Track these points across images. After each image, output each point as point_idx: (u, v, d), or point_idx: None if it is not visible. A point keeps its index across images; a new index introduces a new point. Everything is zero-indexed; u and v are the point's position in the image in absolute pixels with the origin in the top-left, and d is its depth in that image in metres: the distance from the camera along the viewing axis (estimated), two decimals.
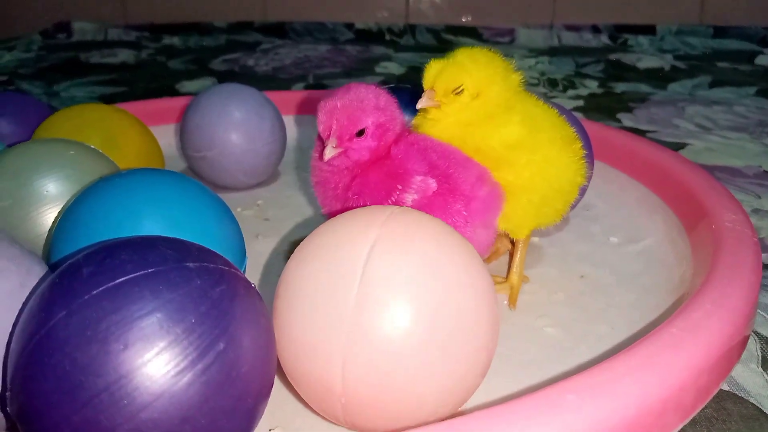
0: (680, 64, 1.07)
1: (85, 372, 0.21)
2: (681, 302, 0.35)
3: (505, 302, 0.40)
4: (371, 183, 0.36)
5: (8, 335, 0.25)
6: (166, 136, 0.65)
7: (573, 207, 0.42)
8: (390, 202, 0.35)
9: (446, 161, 0.36)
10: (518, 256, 0.41)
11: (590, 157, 0.44)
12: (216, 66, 1.15)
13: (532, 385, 0.32)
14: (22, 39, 1.35)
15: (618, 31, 1.27)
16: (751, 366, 0.34)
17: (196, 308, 0.23)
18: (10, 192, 0.36)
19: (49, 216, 0.36)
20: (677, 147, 0.68)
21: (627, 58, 1.11)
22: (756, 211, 0.52)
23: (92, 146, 0.42)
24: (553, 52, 1.18)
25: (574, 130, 0.40)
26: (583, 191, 0.41)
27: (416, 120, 0.40)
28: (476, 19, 1.35)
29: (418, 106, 0.38)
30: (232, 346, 0.23)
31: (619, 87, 0.94)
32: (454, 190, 0.35)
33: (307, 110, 0.72)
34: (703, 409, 0.30)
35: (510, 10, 1.32)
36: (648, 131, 0.73)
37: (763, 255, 0.36)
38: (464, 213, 0.35)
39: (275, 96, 0.63)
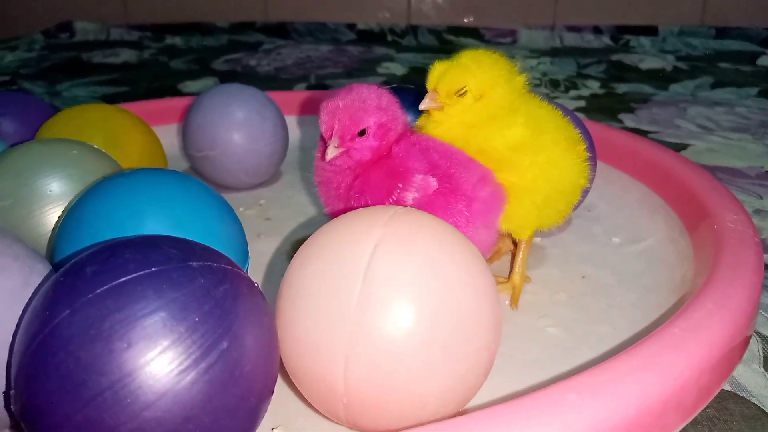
0: (682, 65, 1.07)
1: (88, 370, 0.21)
2: (683, 302, 0.35)
3: (507, 302, 0.40)
4: (372, 182, 0.36)
5: (12, 334, 0.26)
6: (168, 136, 0.65)
7: (575, 208, 0.42)
8: (391, 200, 0.35)
9: (448, 161, 0.36)
10: (520, 256, 0.41)
11: (593, 159, 0.44)
12: (218, 66, 1.15)
13: (535, 384, 0.32)
14: (25, 39, 1.35)
15: (620, 31, 1.27)
16: (752, 366, 0.34)
17: (200, 307, 0.23)
18: (13, 191, 0.36)
19: (52, 215, 0.37)
20: (679, 147, 0.68)
21: (629, 59, 1.11)
22: (758, 211, 0.52)
23: (95, 146, 0.42)
24: (554, 52, 1.18)
25: (578, 131, 0.40)
26: (585, 193, 0.41)
27: (420, 121, 0.40)
28: (478, 20, 1.35)
29: (421, 107, 0.38)
30: (235, 345, 0.23)
31: (621, 88, 0.94)
32: (455, 190, 0.35)
33: (309, 110, 0.72)
34: (704, 409, 0.30)
35: (512, 11, 1.32)
36: (650, 132, 0.73)
37: (765, 255, 0.35)
38: (466, 213, 0.35)
39: (277, 96, 0.63)
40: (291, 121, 0.69)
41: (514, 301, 0.40)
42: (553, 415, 0.24)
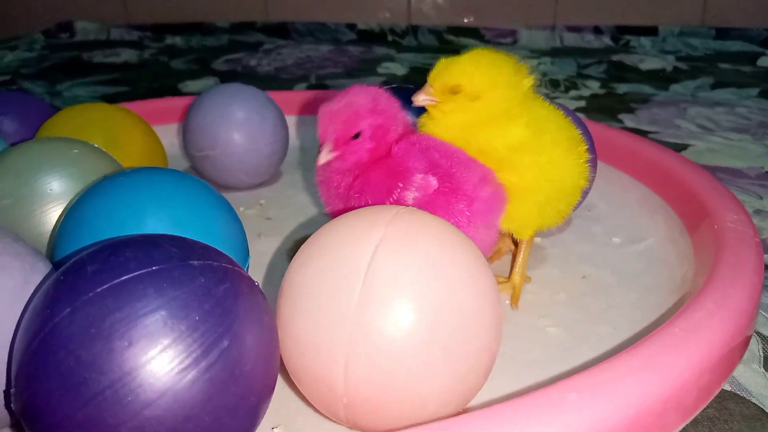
0: (682, 65, 1.07)
1: (88, 369, 0.21)
2: (683, 302, 0.35)
3: (508, 302, 0.40)
4: (372, 182, 0.36)
5: (12, 332, 0.26)
6: (168, 135, 0.65)
7: (575, 208, 0.42)
8: (391, 200, 0.35)
9: (449, 161, 0.36)
10: (521, 256, 0.41)
11: (593, 159, 0.44)
12: (218, 66, 1.15)
13: (535, 384, 0.32)
14: (25, 39, 1.35)
15: (620, 32, 1.27)
16: (753, 366, 0.34)
17: (200, 306, 0.23)
18: (13, 190, 0.36)
19: (52, 214, 0.37)
20: (679, 148, 0.68)
21: (629, 59, 1.11)
22: (758, 212, 0.52)
23: (95, 145, 0.42)
24: (555, 52, 1.18)
25: (579, 131, 0.40)
26: (585, 193, 0.41)
27: (421, 119, 0.40)
28: (478, 20, 1.35)
29: (413, 98, 0.38)
30: (235, 343, 0.23)
31: (621, 88, 0.94)
32: (456, 190, 0.35)
33: (309, 110, 0.72)
34: (704, 409, 0.30)
35: (512, 11, 1.32)
36: (650, 132, 0.74)
37: (765, 255, 0.36)
38: (467, 213, 0.35)
39: (277, 96, 0.63)
40: (291, 121, 0.69)
41: (515, 301, 0.40)
42: (554, 414, 0.24)
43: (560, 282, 0.42)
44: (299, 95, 0.76)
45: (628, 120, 0.79)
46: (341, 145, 0.36)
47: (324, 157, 0.36)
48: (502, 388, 0.32)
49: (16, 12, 1.47)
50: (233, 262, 0.26)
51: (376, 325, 0.25)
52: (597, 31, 1.28)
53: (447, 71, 0.37)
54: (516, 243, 0.42)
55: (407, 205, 0.33)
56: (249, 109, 0.54)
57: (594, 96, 0.91)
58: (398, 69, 1.10)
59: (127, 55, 1.22)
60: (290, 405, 0.31)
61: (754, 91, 0.91)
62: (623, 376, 0.25)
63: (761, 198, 0.55)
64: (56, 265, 0.30)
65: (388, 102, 0.37)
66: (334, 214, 0.38)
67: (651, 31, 1.25)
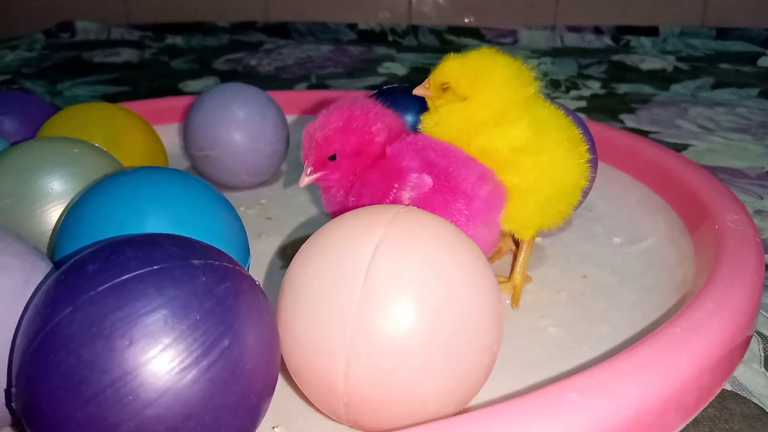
0: (683, 66, 1.07)
1: (89, 368, 0.21)
2: (683, 302, 0.35)
3: (508, 302, 0.40)
4: (369, 184, 0.36)
5: (13, 332, 0.26)
6: (169, 135, 0.65)
7: (576, 208, 0.42)
8: (388, 200, 0.35)
9: (446, 159, 0.36)
10: (522, 256, 0.41)
11: (594, 159, 0.44)
12: (219, 66, 1.15)
13: (535, 384, 0.32)
14: (26, 38, 1.35)
15: (620, 32, 1.27)
16: (753, 366, 0.34)
17: (201, 305, 0.23)
18: (14, 189, 0.36)
19: (53, 213, 0.37)
20: (679, 148, 0.68)
21: (629, 59, 1.11)
22: (758, 212, 0.52)
23: (96, 144, 0.42)
24: (555, 53, 1.18)
25: (580, 131, 0.40)
26: (586, 193, 0.41)
27: (422, 117, 0.40)
28: (479, 20, 1.35)
29: (414, 91, 0.39)
30: (236, 343, 0.23)
31: (622, 88, 0.94)
32: (454, 189, 0.35)
33: (309, 110, 0.72)
34: (705, 409, 0.30)
35: (512, 11, 1.32)
36: (650, 132, 0.74)
37: (766, 255, 0.36)
38: (465, 212, 0.35)
39: (278, 96, 0.63)
40: (292, 120, 0.69)
41: (515, 301, 0.40)
42: (554, 414, 0.24)
43: (561, 282, 0.42)
44: (300, 95, 0.76)
45: (629, 120, 0.79)
46: (320, 167, 0.37)
47: (304, 180, 0.37)
48: (503, 387, 0.32)
49: (16, 12, 1.47)
50: (234, 262, 0.26)
51: (376, 324, 0.25)
52: (597, 31, 1.28)
53: (440, 68, 0.38)
54: (517, 243, 0.42)
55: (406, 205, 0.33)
56: (250, 109, 0.54)
57: (594, 96, 0.91)
58: (399, 69, 1.10)
59: (127, 55, 1.22)
60: (291, 404, 0.31)
61: (755, 91, 0.91)
62: (624, 376, 0.25)
63: (762, 198, 0.55)
64: (57, 264, 0.30)
65: (366, 116, 0.37)
66: (334, 215, 0.38)
67: (651, 31, 1.25)
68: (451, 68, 0.38)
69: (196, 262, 0.24)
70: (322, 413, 0.30)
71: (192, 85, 1.01)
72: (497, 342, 0.28)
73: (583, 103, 0.86)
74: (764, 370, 0.33)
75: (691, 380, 0.26)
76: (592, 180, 0.41)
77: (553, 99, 0.55)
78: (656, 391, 0.25)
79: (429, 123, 0.39)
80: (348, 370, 0.25)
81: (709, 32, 1.23)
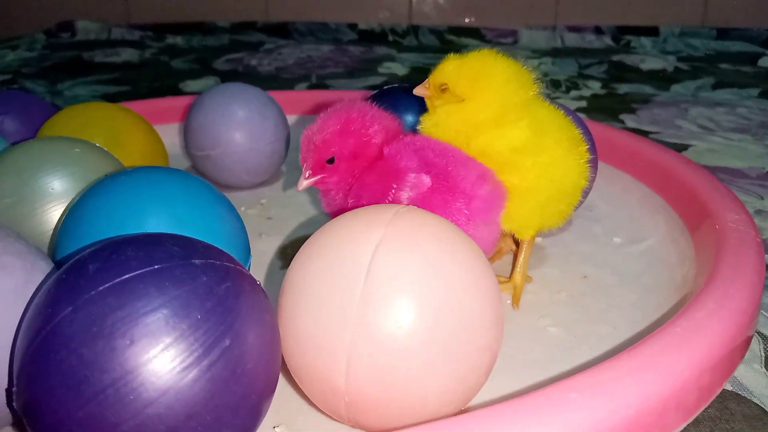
0: (683, 66, 1.07)
1: (90, 368, 0.21)
2: (684, 302, 0.35)
3: (509, 302, 0.40)
4: (367, 185, 0.36)
5: (14, 331, 0.26)
6: (169, 135, 0.65)
7: (576, 208, 0.42)
8: (387, 201, 0.35)
9: (444, 159, 0.36)
10: (522, 256, 0.41)
11: (594, 159, 0.44)
12: (219, 66, 1.15)
13: (535, 384, 0.32)
14: (26, 38, 1.35)
15: (621, 32, 1.27)
16: (754, 366, 0.34)
17: (202, 305, 0.23)
18: (15, 189, 0.36)
19: (54, 213, 0.37)
20: (680, 148, 0.68)
21: (630, 60, 1.11)
22: (759, 212, 0.52)
23: (97, 144, 0.42)
24: (555, 53, 1.18)
25: (580, 131, 0.40)
26: (586, 193, 0.41)
27: (422, 118, 0.40)
28: (479, 20, 1.35)
29: (414, 90, 0.40)
30: (237, 342, 0.23)
31: (622, 88, 0.94)
32: (453, 188, 0.35)
33: (310, 110, 0.72)
34: (706, 409, 0.30)
35: (513, 11, 1.32)
36: (651, 132, 0.74)
37: (766, 255, 0.36)
38: (465, 211, 0.35)
39: (278, 96, 0.63)
40: (292, 120, 0.69)
41: (516, 301, 0.40)
42: (554, 414, 0.24)
43: (561, 282, 0.42)
44: (300, 95, 0.76)
45: (629, 120, 0.79)
46: (318, 171, 0.37)
47: (302, 183, 0.37)
48: (503, 387, 0.32)
49: (17, 11, 1.47)
50: (235, 261, 0.26)
51: (377, 324, 0.25)
52: (598, 31, 1.28)
53: (439, 68, 0.38)
54: (517, 243, 0.42)
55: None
56: (250, 109, 0.54)
57: (595, 96, 0.91)
58: (399, 69, 1.11)
59: (128, 55, 1.22)
60: (292, 404, 0.31)
61: (755, 92, 0.91)
62: (624, 376, 0.25)
63: (762, 198, 0.55)
64: (58, 264, 0.30)
65: (363, 118, 0.37)
66: (334, 215, 0.38)
67: (652, 31, 1.25)
68: (450, 69, 0.38)
69: (196, 261, 0.24)
70: (322, 413, 0.30)
71: (192, 85, 1.01)
72: (497, 342, 0.28)
73: (583, 103, 0.87)
74: (765, 370, 0.33)
75: (692, 380, 0.26)
76: (592, 180, 0.41)
77: (553, 99, 0.55)
78: (657, 391, 0.25)
79: (428, 123, 0.39)
80: (349, 369, 0.25)
81: (710, 32, 1.23)
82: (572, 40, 1.27)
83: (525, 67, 0.39)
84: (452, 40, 1.30)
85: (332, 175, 0.37)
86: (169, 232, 0.30)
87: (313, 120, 0.38)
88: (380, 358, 0.25)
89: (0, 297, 0.26)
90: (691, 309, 0.30)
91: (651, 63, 1.09)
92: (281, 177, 0.61)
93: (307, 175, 0.37)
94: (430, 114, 0.39)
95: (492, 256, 0.45)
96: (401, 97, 0.49)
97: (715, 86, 0.94)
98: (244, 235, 0.36)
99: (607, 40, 1.25)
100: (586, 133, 0.44)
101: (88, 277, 0.23)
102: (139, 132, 0.52)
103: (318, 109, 0.38)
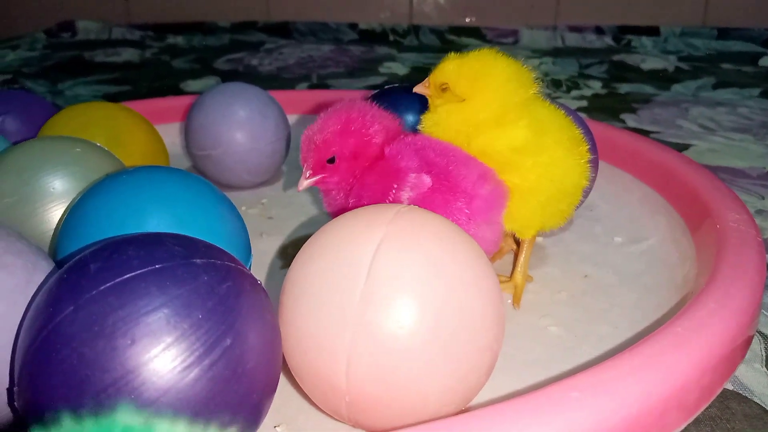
0: (684, 66, 1.07)
1: (91, 367, 0.21)
2: (684, 302, 0.35)
3: (509, 301, 0.40)
4: (368, 185, 0.36)
5: (15, 331, 0.26)
6: (170, 134, 0.65)
7: (577, 208, 0.42)
8: (388, 201, 0.35)
9: (445, 158, 0.36)
10: (523, 255, 0.41)
11: (595, 159, 0.44)
12: (220, 65, 1.15)
13: (536, 383, 0.32)
14: (27, 38, 1.35)
15: (621, 32, 1.27)
16: (755, 366, 0.34)
17: (203, 304, 0.23)
18: (16, 189, 0.36)
19: (55, 213, 0.37)
20: (681, 148, 0.68)
21: (630, 59, 1.11)
22: (760, 212, 0.52)
23: (98, 144, 0.42)
24: (556, 52, 1.18)
25: (581, 131, 0.40)
26: (587, 192, 0.41)
27: (423, 117, 0.40)
28: (480, 20, 1.35)
29: (415, 88, 0.40)
30: (238, 342, 0.23)
31: (623, 88, 0.94)
32: (454, 188, 0.35)
33: (310, 110, 0.72)
34: (707, 409, 0.30)
35: (513, 11, 1.32)
36: (651, 132, 0.74)
37: (767, 255, 0.35)
38: (466, 211, 0.35)
39: (279, 95, 0.63)
40: (293, 120, 0.69)
41: (517, 301, 0.40)
42: (555, 414, 0.24)
43: (562, 281, 0.42)
44: (301, 95, 0.76)
45: (630, 120, 0.79)
46: (319, 170, 0.37)
47: (303, 183, 0.37)
48: (504, 387, 0.32)
49: (17, 11, 1.47)
50: (236, 261, 0.26)
51: (378, 323, 0.25)
52: (598, 31, 1.28)
53: (440, 68, 0.38)
54: (518, 242, 0.42)
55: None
56: (251, 109, 0.54)
57: (596, 96, 0.91)
58: (399, 69, 1.11)
59: (128, 55, 1.22)
60: (292, 403, 0.31)
61: (756, 91, 0.91)
62: (625, 376, 0.25)
63: (763, 198, 0.55)
64: (59, 263, 0.30)
65: (363, 118, 0.37)
66: (335, 215, 0.38)
67: (652, 31, 1.25)
68: (450, 69, 0.38)
69: (198, 261, 0.24)
70: (323, 412, 0.30)
71: (193, 84, 1.01)
72: (498, 341, 0.28)
73: (584, 103, 0.86)
74: (766, 370, 0.33)
75: (693, 380, 0.26)
76: (593, 180, 0.41)
77: (554, 99, 0.55)
78: (657, 390, 0.25)
79: (428, 123, 0.39)
80: (349, 369, 0.25)
81: (711, 32, 1.23)
82: (573, 39, 1.27)
83: (525, 66, 0.39)
84: (453, 40, 1.30)
85: (333, 175, 0.37)
86: (170, 231, 0.30)
87: (314, 120, 0.38)
88: (381, 358, 0.25)
89: (1, 296, 0.26)
90: (692, 309, 0.30)
91: (652, 63, 1.08)
92: (282, 177, 0.61)
93: (307, 174, 0.37)
94: (431, 113, 0.39)
95: (493, 256, 0.45)
96: (402, 97, 0.49)
97: (716, 86, 0.94)
98: (245, 235, 0.36)
99: (608, 40, 1.25)
100: (587, 132, 0.44)
101: (90, 276, 0.23)
102: (140, 132, 0.52)
103: (319, 108, 0.38)
